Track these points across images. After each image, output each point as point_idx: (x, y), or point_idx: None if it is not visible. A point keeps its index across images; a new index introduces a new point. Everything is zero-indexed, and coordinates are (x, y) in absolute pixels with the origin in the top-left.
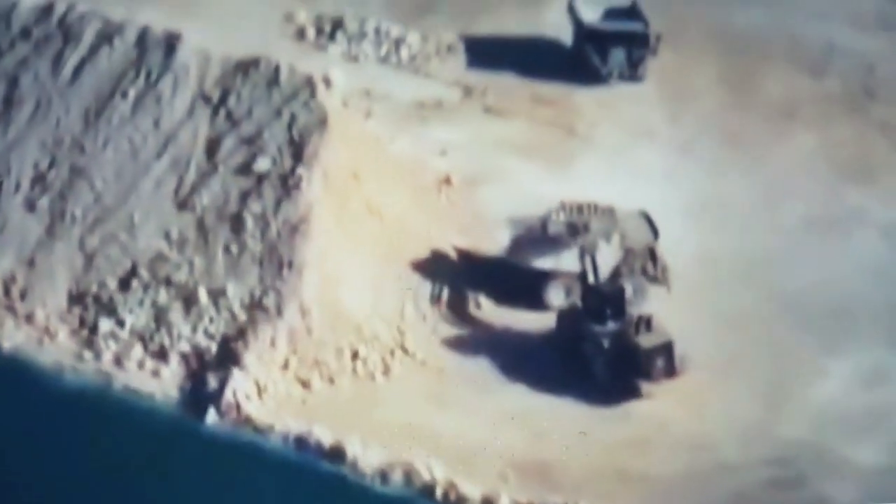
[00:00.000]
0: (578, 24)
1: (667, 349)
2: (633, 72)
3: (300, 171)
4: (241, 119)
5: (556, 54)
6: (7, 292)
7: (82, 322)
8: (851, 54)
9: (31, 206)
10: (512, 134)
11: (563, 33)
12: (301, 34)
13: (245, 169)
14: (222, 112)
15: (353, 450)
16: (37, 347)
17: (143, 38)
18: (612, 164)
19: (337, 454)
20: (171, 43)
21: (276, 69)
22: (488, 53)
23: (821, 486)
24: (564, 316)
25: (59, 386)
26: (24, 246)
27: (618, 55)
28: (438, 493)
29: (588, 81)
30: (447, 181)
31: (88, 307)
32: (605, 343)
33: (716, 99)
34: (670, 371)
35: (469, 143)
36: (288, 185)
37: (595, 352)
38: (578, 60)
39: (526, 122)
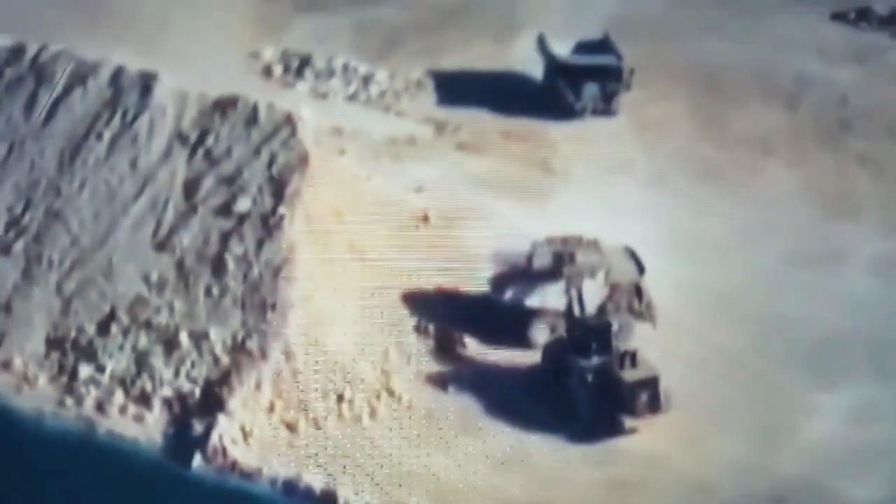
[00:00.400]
0: (550, 59)
1: (651, 384)
2: (606, 106)
3: (282, 210)
4: (220, 159)
5: (526, 89)
6: None
7: (61, 368)
8: (823, 86)
9: (6, 250)
10: (487, 170)
11: (532, 68)
12: (268, 72)
13: (225, 209)
14: (200, 152)
15: (344, 494)
16: (16, 394)
17: (117, 77)
18: (590, 200)
19: (328, 498)
20: (146, 83)
21: (255, 108)
22: (458, 89)
23: None
24: (550, 349)
25: (41, 432)
26: (0, 290)
27: (591, 89)
28: None
29: (561, 116)
30: (425, 218)
31: (67, 352)
32: (589, 377)
33: (690, 133)
34: (655, 407)
35: (444, 180)
36: (269, 225)
37: (579, 386)
38: (550, 95)
39: (500, 159)
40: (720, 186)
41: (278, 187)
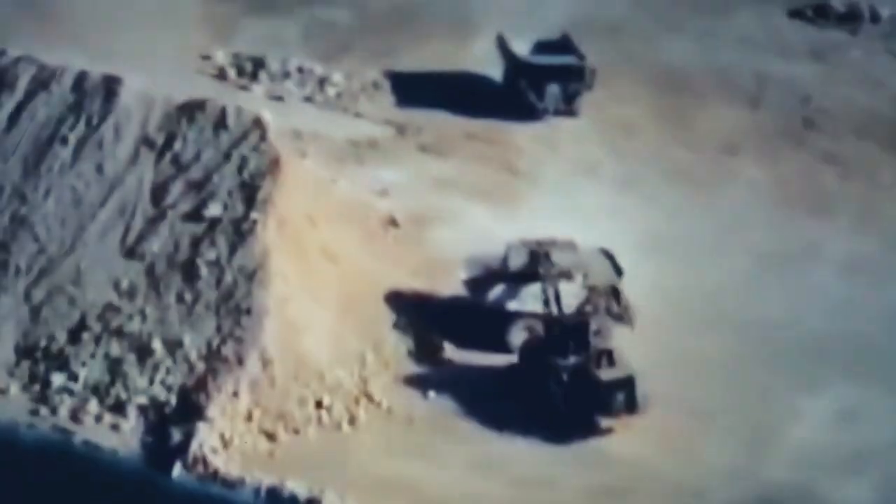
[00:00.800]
0: (512, 59)
1: (628, 384)
2: (568, 107)
3: (254, 215)
4: (189, 163)
5: (485, 90)
6: None
7: (33, 376)
8: (785, 85)
9: None
10: (452, 172)
11: (490, 68)
12: (222, 74)
13: (195, 215)
14: (168, 156)
15: (330, 501)
16: None
17: (80, 82)
18: (559, 202)
19: None
20: (110, 87)
21: (223, 111)
22: (416, 90)
23: None
24: (527, 349)
25: (16, 442)
26: None
27: (553, 90)
28: None
29: (522, 117)
30: (393, 222)
31: (38, 361)
32: (566, 376)
33: (654, 133)
34: (631, 407)
35: (409, 183)
36: (242, 230)
37: (556, 385)
38: (512, 95)
39: (464, 160)
40: (689, 187)
41: (250, 192)
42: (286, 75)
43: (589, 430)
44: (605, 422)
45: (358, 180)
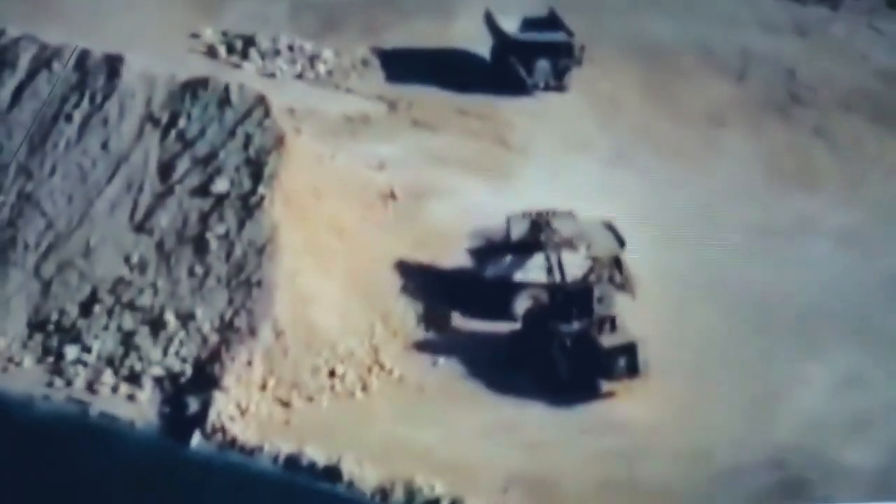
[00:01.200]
0: (501, 36)
1: (630, 349)
2: (558, 82)
3: (261, 190)
4: (194, 140)
5: (473, 66)
6: None
7: (46, 350)
8: (769, 60)
9: None
10: (446, 147)
11: (477, 45)
12: (212, 52)
13: (202, 190)
14: (173, 133)
15: (348, 468)
16: (2, 376)
17: (82, 61)
18: (552, 176)
19: (332, 473)
20: (113, 65)
21: (227, 89)
22: (405, 67)
23: (825, 489)
24: (530, 315)
25: (33, 415)
26: None
27: (543, 66)
28: None
29: (511, 92)
30: (392, 196)
31: (51, 334)
32: (569, 342)
33: (642, 108)
34: (633, 372)
35: (405, 158)
36: (249, 205)
37: (559, 351)
38: (501, 71)
39: (457, 135)
40: (678, 160)
41: (256, 168)
42: (277, 53)
43: (592, 394)
44: (607, 386)
45: (354, 156)
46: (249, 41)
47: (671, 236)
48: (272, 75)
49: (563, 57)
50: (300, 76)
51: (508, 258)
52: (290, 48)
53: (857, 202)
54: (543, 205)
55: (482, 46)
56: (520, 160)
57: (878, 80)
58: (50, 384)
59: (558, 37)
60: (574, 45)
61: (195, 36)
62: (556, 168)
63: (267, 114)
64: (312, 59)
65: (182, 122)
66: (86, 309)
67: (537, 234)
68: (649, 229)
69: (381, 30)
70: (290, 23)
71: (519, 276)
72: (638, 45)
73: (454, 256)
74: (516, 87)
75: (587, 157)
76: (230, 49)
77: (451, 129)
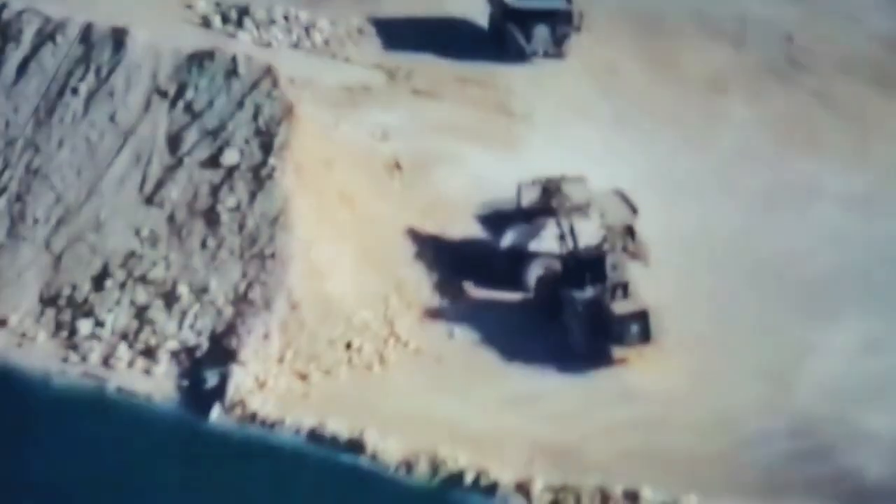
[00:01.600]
0: (500, 3)
1: (642, 316)
2: (557, 49)
3: (272, 161)
4: (202, 112)
5: (470, 34)
6: None
7: (59, 324)
8: (766, 26)
9: None
10: (448, 116)
11: (471, 12)
12: (206, 22)
13: (212, 162)
14: (180, 105)
15: (372, 441)
16: (18, 352)
17: (87, 34)
18: (557, 144)
19: (355, 446)
20: (118, 38)
21: (234, 60)
22: (402, 36)
23: (847, 456)
24: (543, 282)
25: (50, 389)
26: None
27: (542, 33)
28: (468, 480)
29: (510, 60)
30: (397, 165)
31: (63, 309)
32: (581, 308)
33: (641, 75)
34: (645, 338)
35: (407, 127)
36: (261, 176)
37: (572, 317)
38: (499, 39)
39: (458, 104)
40: (680, 126)
41: (266, 139)
42: (272, 22)
43: (604, 360)
44: (619, 352)
45: (356, 125)
46: (244, 11)
47: (677, 201)
48: (268, 45)
49: (561, 24)
50: (296, 46)
51: (521, 227)
52: (286, 18)
53: (863, 165)
54: (550, 172)
55: (478, 14)
56: (524, 128)
57: (875, 44)
58: (65, 359)
59: (557, 4)
60: (573, 12)
61: (188, 6)
62: (560, 135)
63: (275, 84)
64: (308, 29)
65: (189, 94)
66: (98, 283)
67: (549, 200)
68: (655, 195)
69: None
70: None
71: (532, 246)
72: (633, 11)
73: (463, 226)
74: (515, 54)
75: (590, 124)
76: (225, 19)
77: (452, 97)
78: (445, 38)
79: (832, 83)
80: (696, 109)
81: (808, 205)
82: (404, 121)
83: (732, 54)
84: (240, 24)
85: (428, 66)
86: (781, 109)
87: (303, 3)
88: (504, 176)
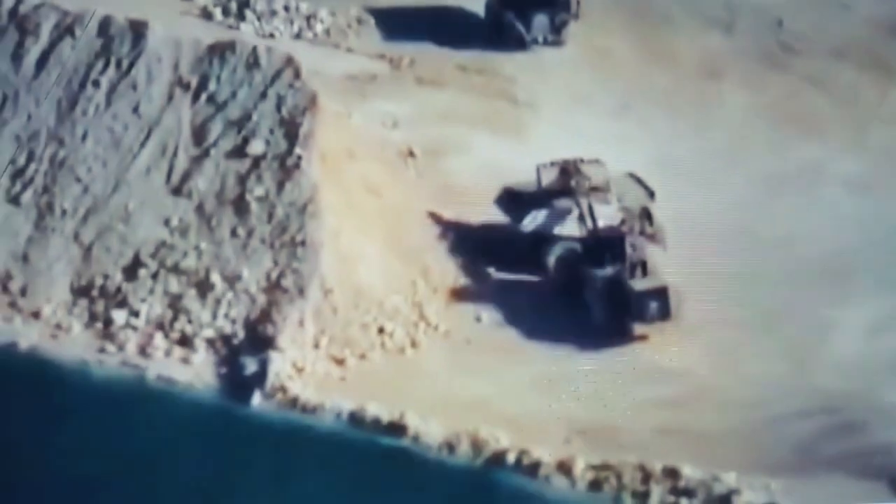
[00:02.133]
0: None
1: (661, 293)
2: (556, 37)
3: (298, 151)
4: (226, 102)
5: (468, 22)
6: (5, 289)
7: (93, 315)
8: (756, 11)
9: (14, 200)
10: (454, 104)
11: (468, 2)
12: (207, 15)
13: (238, 152)
14: (204, 97)
15: (413, 423)
16: (53, 343)
17: (105, 27)
18: (563, 130)
19: (397, 429)
20: (137, 31)
21: (254, 51)
22: (401, 25)
23: (878, 431)
24: (563, 261)
25: (90, 380)
26: (14, 242)
27: (541, 20)
28: (510, 460)
29: (508, 48)
30: (411, 153)
31: (95, 300)
32: (600, 286)
33: (637, 61)
34: (665, 315)
35: (416, 116)
36: (287, 166)
37: (592, 295)
38: (497, 27)
39: (463, 92)
40: (680, 112)
41: (290, 128)
42: (273, 13)
43: (625, 337)
44: (639, 329)
45: (366, 115)
46: (244, 2)
47: (684, 185)
48: (271, 36)
49: (560, 11)
50: (298, 36)
51: (542, 212)
52: (286, 8)
53: (863, 148)
54: (559, 157)
55: (472, 2)
56: (529, 115)
57: (865, 27)
58: (102, 349)
59: None
60: (571, 0)
61: None
62: (564, 121)
63: (297, 75)
64: (309, 19)
65: (212, 86)
66: (130, 273)
67: (568, 180)
68: (662, 179)
69: None
70: None
71: (554, 229)
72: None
73: (481, 211)
74: (514, 42)
75: (593, 111)
76: (225, 11)
77: (456, 85)
78: (443, 27)
79: (826, 68)
80: (694, 95)
81: (812, 187)
82: (412, 110)
83: (724, 40)
84: (241, 15)
85: (429, 55)
86: (777, 95)
87: None
88: (514, 162)
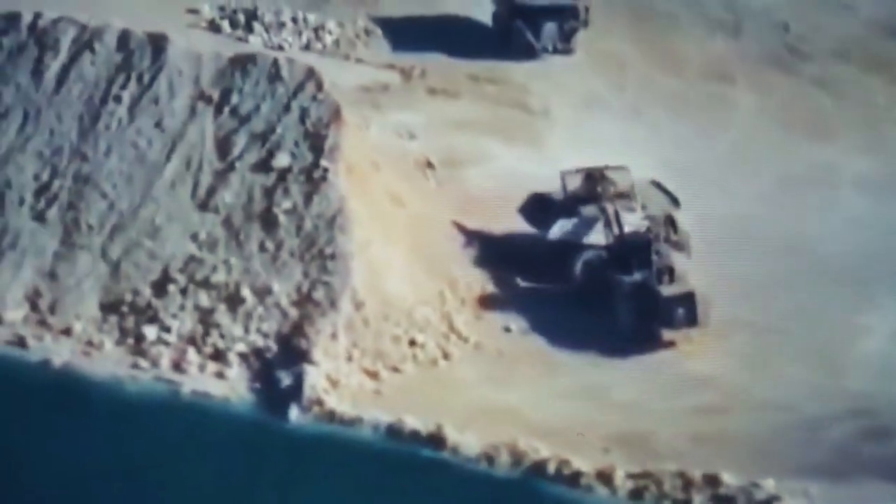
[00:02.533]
0: (508, 1)
1: (688, 298)
2: (565, 45)
3: (324, 163)
4: (249, 116)
5: (476, 32)
6: (34, 307)
7: (123, 331)
8: (762, 15)
9: (40, 217)
10: (468, 114)
11: (471, 10)
12: (215, 27)
13: (263, 165)
14: (226, 110)
15: (451, 435)
16: (86, 360)
17: (125, 41)
18: (578, 138)
19: (435, 441)
20: (157, 44)
21: (275, 63)
22: (409, 35)
23: None
24: (589, 267)
25: (124, 396)
26: (41, 259)
27: (550, 29)
28: (550, 470)
29: (518, 57)
30: (429, 164)
31: (126, 315)
32: (628, 292)
33: (645, 66)
34: (692, 321)
35: (431, 126)
36: (314, 178)
37: (620, 301)
38: (506, 36)
39: (476, 101)
40: (691, 116)
41: (316, 141)
42: (281, 25)
43: (653, 343)
44: (667, 335)
45: (382, 126)
46: (252, 15)
47: (701, 190)
48: (280, 48)
49: (569, 19)
50: (307, 48)
51: (570, 220)
52: (294, 20)
53: (875, 150)
54: (576, 165)
55: (478, 12)
56: (544, 123)
57: (871, 31)
58: (135, 365)
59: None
60: (579, 8)
61: (193, 12)
62: (580, 130)
63: (319, 87)
64: (317, 31)
65: (234, 99)
66: (159, 288)
67: (593, 187)
68: (679, 183)
69: None
70: None
71: (580, 238)
72: (625, 4)
73: (502, 220)
74: (524, 51)
75: (607, 117)
76: (233, 24)
77: (469, 95)
78: (451, 36)
79: (833, 71)
80: (704, 99)
81: (826, 189)
82: (426, 120)
83: (731, 44)
84: (249, 28)
85: (439, 65)
86: (786, 97)
87: (301, 4)
88: (531, 169)
